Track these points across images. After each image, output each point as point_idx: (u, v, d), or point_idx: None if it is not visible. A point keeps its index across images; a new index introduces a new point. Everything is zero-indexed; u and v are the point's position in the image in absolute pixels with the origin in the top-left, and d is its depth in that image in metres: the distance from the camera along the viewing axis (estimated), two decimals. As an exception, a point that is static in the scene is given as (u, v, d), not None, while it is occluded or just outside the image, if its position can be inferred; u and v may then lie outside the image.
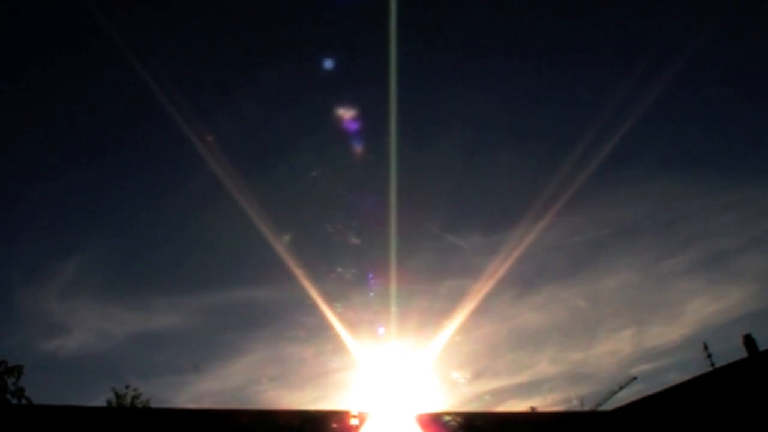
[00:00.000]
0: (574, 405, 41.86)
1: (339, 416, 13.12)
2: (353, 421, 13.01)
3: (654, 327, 53.22)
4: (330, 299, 19.20)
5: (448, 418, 13.95)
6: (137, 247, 52.55)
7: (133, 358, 50.21)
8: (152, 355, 51.77)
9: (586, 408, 40.88)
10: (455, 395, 25.95)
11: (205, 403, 47.29)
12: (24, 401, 19.93)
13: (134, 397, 27.49)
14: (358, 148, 27.41)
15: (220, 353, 54.26)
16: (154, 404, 27.62)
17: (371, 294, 22.21)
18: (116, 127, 48.06)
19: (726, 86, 46.14)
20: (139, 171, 50.60)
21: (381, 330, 18.86)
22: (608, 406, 41.21)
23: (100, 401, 29.76)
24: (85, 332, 48.06)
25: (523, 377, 50.07)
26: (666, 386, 17.00)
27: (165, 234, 53.14)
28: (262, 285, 48.47)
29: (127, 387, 27.58)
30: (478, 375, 37.67)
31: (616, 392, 47.12)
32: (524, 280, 46.39)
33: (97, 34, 37.18)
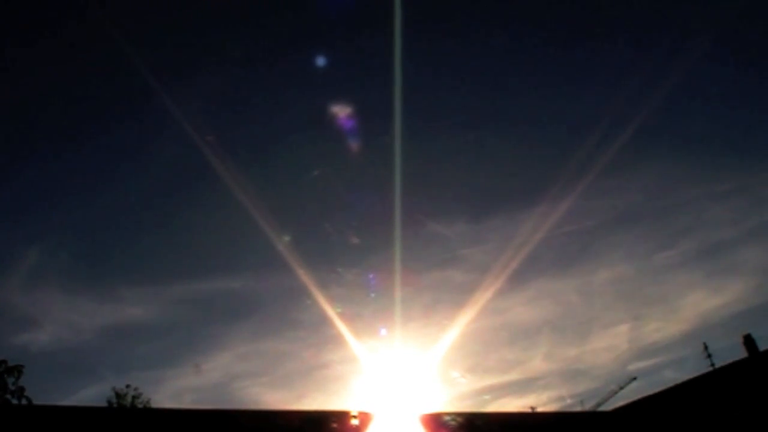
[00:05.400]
0: (569, 403, 41.70)
1: (339, 416, 13.11)
2: (353, 422, 12.99)
3: (650, 322, 51.51)
4: (318, 290, 19.00)
5: (447, 418, 13.93)
6: (102, 234, 50.36)
7: (108, 352, 48.28)
8: (128, 349, 49.17)
9: (586, 408, 40.85)
10: (447, 394, 25.64)
11: (186, 400, 45.99)
12: (24, 401, 19.91)
13: (134, 397, 27.57)
14: (357, 144, 27.34)
15: (200, 347, 52.46)
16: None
17: (367, 291, 22.12)
18: (83, 110, 46.31)
19: (724, 77, 45.56)
20: (103, 153, 48.64)
21: (370, 325, 18.68)
22: (608, 406, 41.20)
23: (80, 396, 29.14)
24: (55, 325, 46.21)
25: (516, 374, 49.12)
26: (666, 386, 17.07)
27: (132, 220, 50.78)
28: (243, 275, 46.83)
29: (127, 386, 27.72)
30: (469, 372, 37.18)
31: (616, 392, 46.92)
32: (512, 273, 44.69)
33: (83, 24, 36.39)
